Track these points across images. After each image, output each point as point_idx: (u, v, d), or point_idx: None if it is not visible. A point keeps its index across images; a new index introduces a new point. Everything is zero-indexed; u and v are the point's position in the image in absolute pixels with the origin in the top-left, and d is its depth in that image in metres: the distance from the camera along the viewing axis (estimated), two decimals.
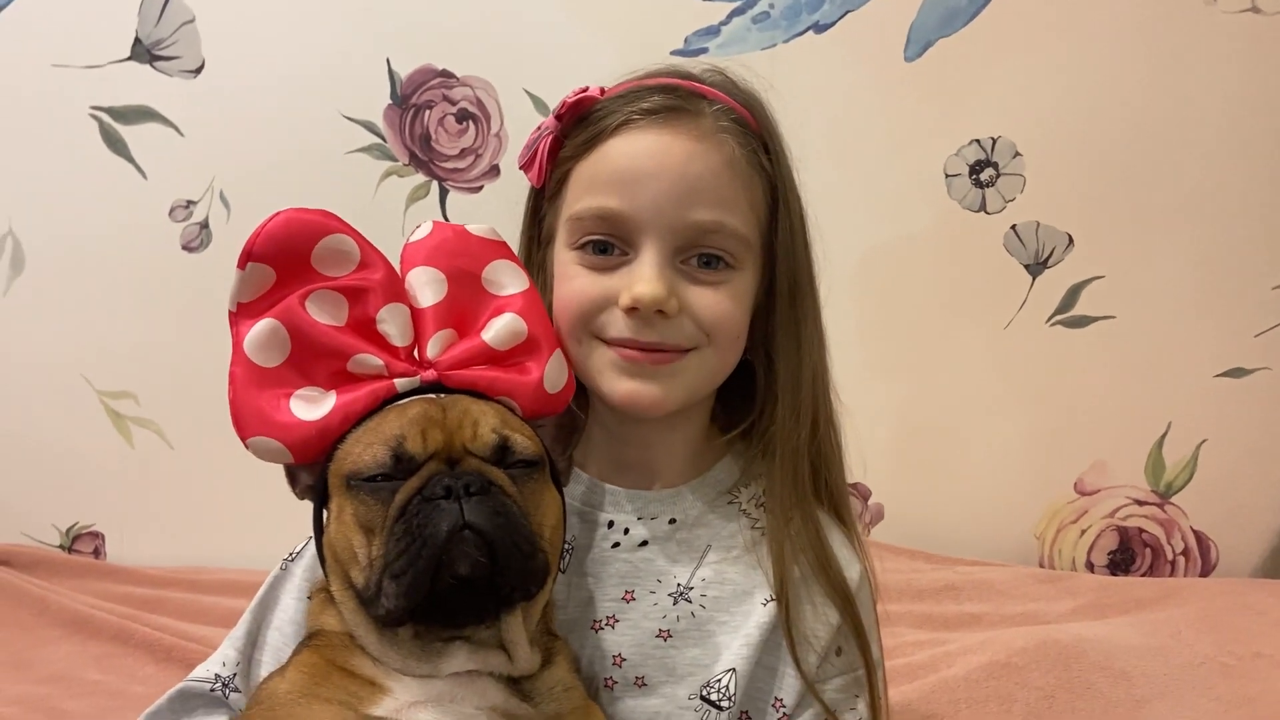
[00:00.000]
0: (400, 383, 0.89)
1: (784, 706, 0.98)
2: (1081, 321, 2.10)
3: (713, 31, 2.08)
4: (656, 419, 1.00)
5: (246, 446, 0.87)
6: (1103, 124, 2.04)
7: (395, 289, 0.92)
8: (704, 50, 2.08)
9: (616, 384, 0.97)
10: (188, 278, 2.18)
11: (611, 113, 0.98)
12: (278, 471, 0.93)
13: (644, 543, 1.03)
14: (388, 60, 2.14)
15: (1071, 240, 2.08)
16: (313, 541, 1.02)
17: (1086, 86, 2.03)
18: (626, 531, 1.04)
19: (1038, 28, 2.02)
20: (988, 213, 2.09)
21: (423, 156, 2.16)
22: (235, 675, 0.99)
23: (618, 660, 0.99)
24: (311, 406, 0.87)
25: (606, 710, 0.97)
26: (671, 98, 0.98)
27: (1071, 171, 2.06)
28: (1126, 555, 2.15)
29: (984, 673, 1.56)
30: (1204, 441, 2.10)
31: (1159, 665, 1.58)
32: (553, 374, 0.95)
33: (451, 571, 0.78)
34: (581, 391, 1.02)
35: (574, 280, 0.99)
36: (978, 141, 2.07)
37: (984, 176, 2.08)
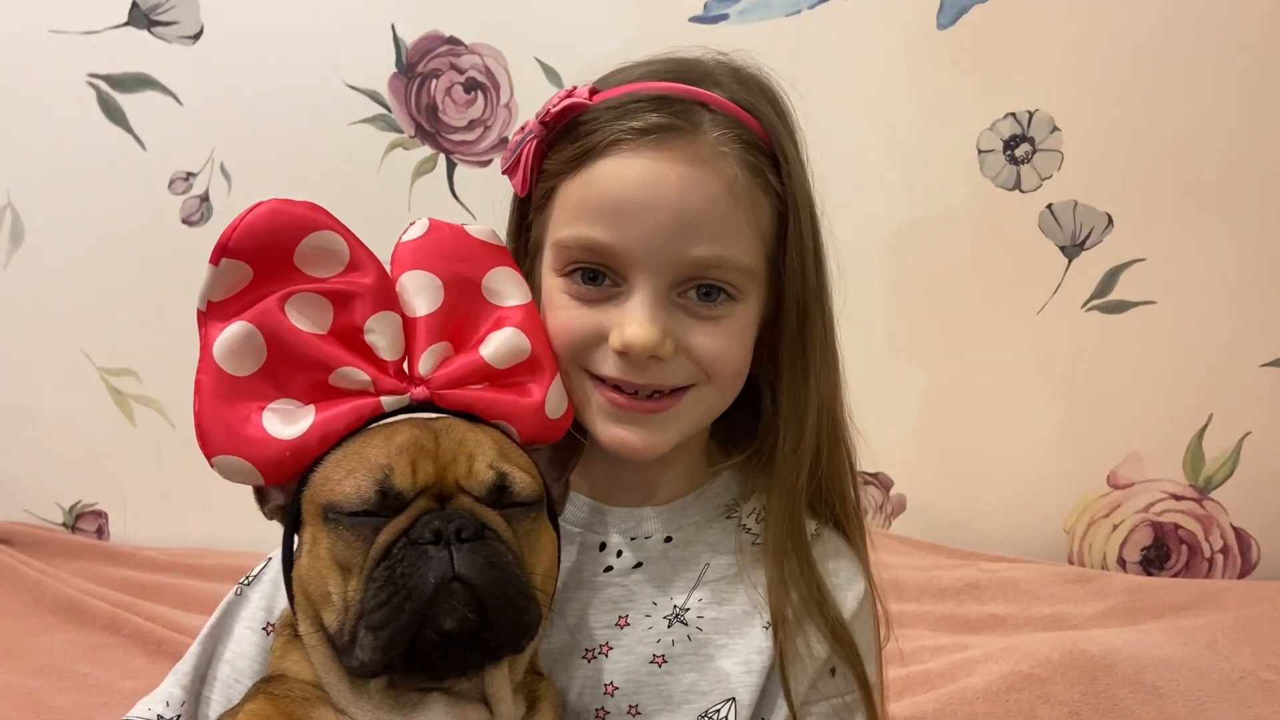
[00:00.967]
0: (388, 401, 0.81)
1: None
2: (1120, 306, 2.01)
3: None
4: None
5: (211, 465, 0.78)
6: (1146, 97, 1.93)
7: (387, 295, 0.83)
8: (724, 17, 1.98)
9: (606, 429, 0.91)
10: (188, 253, 2.08)
11: (600, 128, 0.88)
12: None
13: (638, 565, 0.98)
14: (393, 26, 2.06)
15: (1111, 221, 1.98)
16: (271, 562, 0.97)
17: (1130, 57, 1.93)
18: (620, 554, 0.98)
19: None
20: (1022, 191, 2.00)
21: (429, 128, 2.08)
22: (179, 717, 0.92)
23: (610, 689, 0.94)
24: (287, 422, 0.78)
25: None
26: (666, 114, 0.87)
27: (1112, 148, 1.96)
28: (1161, 552, 2.06)
29: (1005, 684, 1.49)
30: (1247, 434, 2.01)
31: (1192, 679, 1.50)
32: (554, 398, 0.88)
33: (436, 626, 0.71)
34: None
35: (561, 311, 0.91)
36: (1013, 115, 1.98)
37: (1019, 152, 1.98)
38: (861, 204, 2.01)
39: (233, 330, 0.78)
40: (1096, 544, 2.08)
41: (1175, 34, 1.90)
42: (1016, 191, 2.00)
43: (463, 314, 0.87)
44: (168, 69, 2.10)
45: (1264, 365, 1.98)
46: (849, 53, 1.99)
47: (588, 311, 0.89)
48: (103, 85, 2.11)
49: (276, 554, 0.96)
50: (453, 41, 2.06)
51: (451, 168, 2.10)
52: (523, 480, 0.79)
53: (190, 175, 2.13)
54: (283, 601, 0.92)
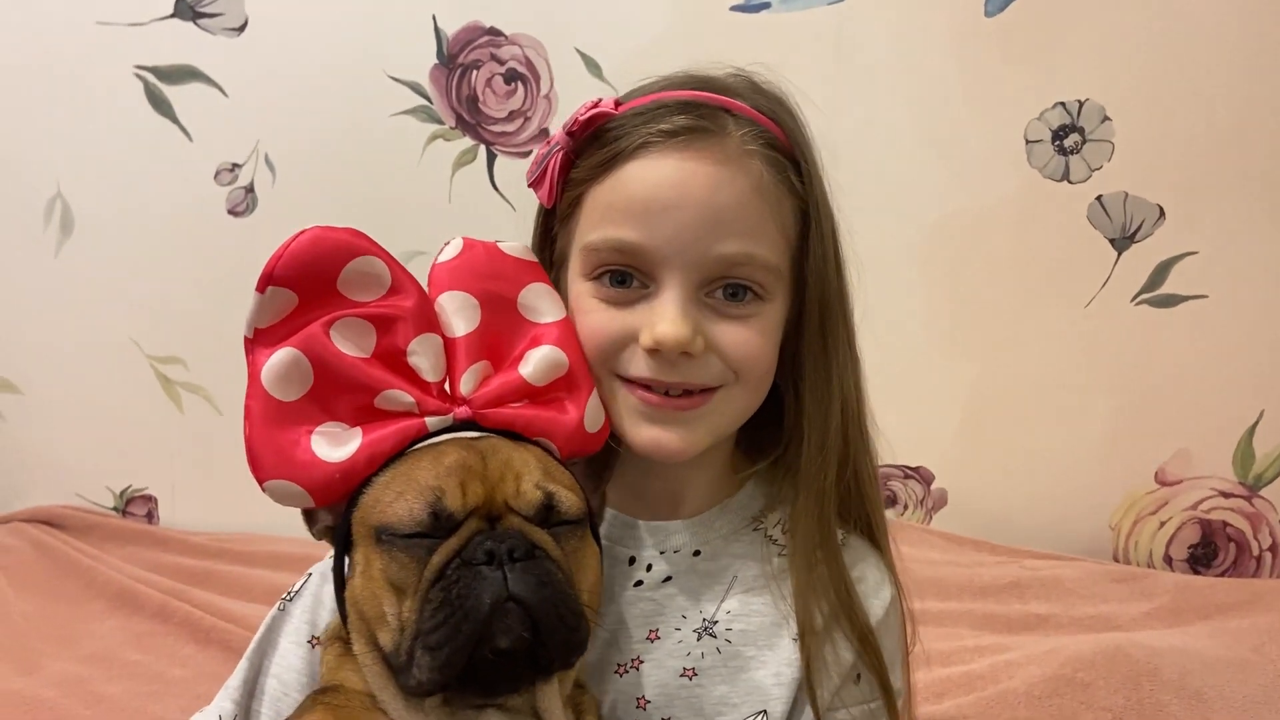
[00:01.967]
0: (432, 421, 0.82)
1: None
2: (1170, 301, 1.97)
3: None
4: None
5: (263, 489, 0.80)
6: (1200, 86, 1.88)
7: (428, 317, 0.84)
8: (766, 6, 1.95)
9: (639, 430, 0.91)
10: (234, 244, 2.15)
11: (628, 133, 0.89)
12: None
13: (668, 578, 0.98)
14: (434, 17, 2.06)
15: (1162, 213, 1.93)
16: (311, 578, 0.98)
17: (1184, 44, 1.87)
18: (649, 568, 0.98)
19: None
20: (1071, 182, 1.96)
21: (470, 119, 2.08)
22: None
23: (642, 703, 0.94)
24: (335, 445, 0.79)
25: None
26: (693, 116, 0.89)
27: (1165, 138, 1.91)
28: (1209, 550, 2.02)
29: (1047, 687, 1.47)
30: None
31: (1237, 685, 1.47)
32: (592, 412, 0.89)
33: (491, 645, 0.72)
34: None
35: (590, 315, 0.92)
36: (1063, 105, 1.93)
37: (1068, 143, 1.94)
38: (905, 196, 1.98)
39: (280, 356, 0.79)
40: (1143, 541, 2.05)
41: (1230, 21, 1.85)
42: (1065, 183, 1.96)
43: (500, 332, 0.88)
44: (213, 61, 2.12)
45: None
46: (893, 41, 1.95)
47: (617, 313, 0.90)
48: (149, 77, 2.13)
49: (317, 569, 0.98)
50: (493, 32, 2.05)
51: (492, 159, 2.10)
52: (568, 499, 0.80)
53: (235, 166, 2.15)
54: (325, 616, 0.94)
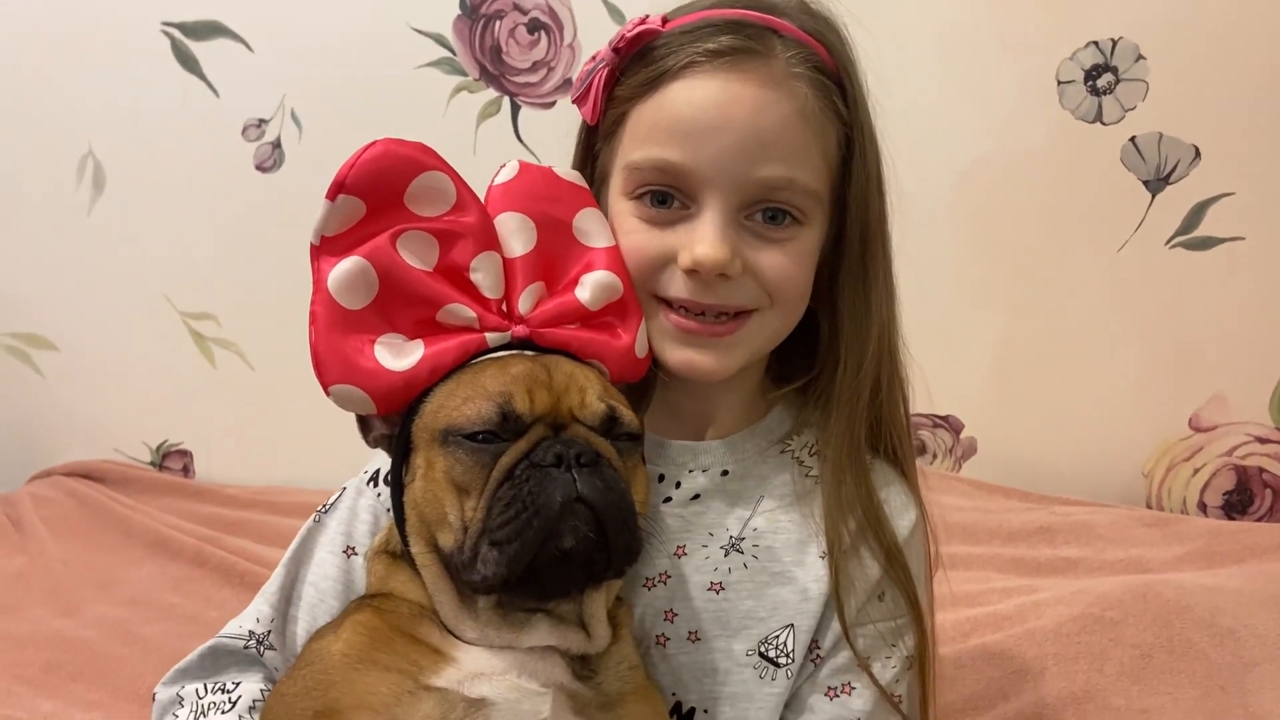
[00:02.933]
0: (491, 337, 0.84)
1: (819, 648, 0.96)
2: (1206, 243, 1.93)
3: None
4: None
5: (328, 394, 0.82)
6: (1237, 21, 1.84)
7: (489, 236, 0.86)
8: None
9: (673, 351, 0.94)
10: (262, 199, 2.16)
11: (674, 51, 0.90)
12: None
13: (695, 496, 1.00)
14: None
15: (1198, 153, 1.90)
16: (346, 491, 1.01)
17: None
18: (678, 485, 1.00)
19: None
20: (1104, 123, 1.93)
21: (493, 70, 2.08)
22: (269, 633, 0.96)
23: (670, 616, 0.96)
24: (397, 355, 0.82)
25: (660, 667, 0.95)
26: (740, 37, 0.89)
27: (1201, 77, 1.87)
28: (1244, 497, 2.00)
29: (1076, 625, 1.46)
30: None
31: (1272, 624, 1.45)
32: (641, 339, 0.92)
33: (558, 544, 0.75)
34: None
35: (631, 235, 0.93)
36: (1095, 44, 1.90)
37: (1101, 83, 1.91)
38: (934, 139, 1.95)
39: (347, 265, 0.81)
40: (1176, 488, 2.02)
41: None
42: (1098, 124, 1.92)
43: (555, 254, 0.90)
44: (238, 16, 2.12)
45: None
46: None
47: (658, 233, 0.92)
48: (176, 34, 2.14)
49: (351, 484, 1.01)
50: None
51: (516, 110, 2.09)
52: (628, 415, 0.84)
53: (263, 122, 2.16)
54: (360, 528, 0.97)
